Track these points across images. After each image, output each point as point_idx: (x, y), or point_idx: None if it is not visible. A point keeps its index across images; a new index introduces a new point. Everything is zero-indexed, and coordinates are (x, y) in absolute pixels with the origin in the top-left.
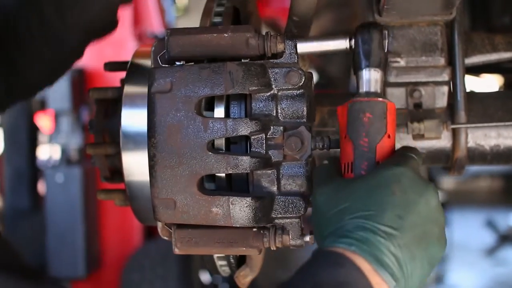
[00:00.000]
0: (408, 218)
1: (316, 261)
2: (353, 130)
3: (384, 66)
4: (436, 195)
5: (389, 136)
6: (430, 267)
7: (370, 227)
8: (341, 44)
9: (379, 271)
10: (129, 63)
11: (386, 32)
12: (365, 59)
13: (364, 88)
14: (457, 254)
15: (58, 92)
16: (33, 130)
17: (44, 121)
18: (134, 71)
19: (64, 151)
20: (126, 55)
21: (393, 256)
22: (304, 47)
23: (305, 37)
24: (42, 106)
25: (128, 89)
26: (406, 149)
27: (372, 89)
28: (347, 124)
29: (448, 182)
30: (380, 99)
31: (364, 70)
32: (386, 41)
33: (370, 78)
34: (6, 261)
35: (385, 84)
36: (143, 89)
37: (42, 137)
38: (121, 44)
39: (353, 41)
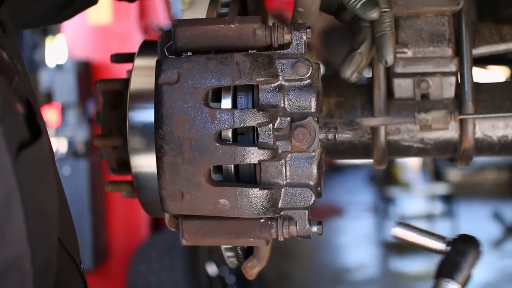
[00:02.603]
0: None
1: None
2: None
3: (465, 284)
4: None
5: None
6: None
7: None
8: (437, 245)
9: None
10: (136, 54)
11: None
12: (451, 270)
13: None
14: None
15: (65, 85)
16: None
17: (50, 114)
18: (140, 62)
19: (70, 144)
20: (132, 48)
21: None
22: (403, 234)
23: (312, 28)
24: (49, 99)
25: (135, 80)
26: None
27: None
28: None
29: (454, 174)
30: None
31: (447, 281)
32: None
33: None
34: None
35: (394, 75)
36: (150, 81)
37: (48, 130)
38: (127, 36)
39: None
